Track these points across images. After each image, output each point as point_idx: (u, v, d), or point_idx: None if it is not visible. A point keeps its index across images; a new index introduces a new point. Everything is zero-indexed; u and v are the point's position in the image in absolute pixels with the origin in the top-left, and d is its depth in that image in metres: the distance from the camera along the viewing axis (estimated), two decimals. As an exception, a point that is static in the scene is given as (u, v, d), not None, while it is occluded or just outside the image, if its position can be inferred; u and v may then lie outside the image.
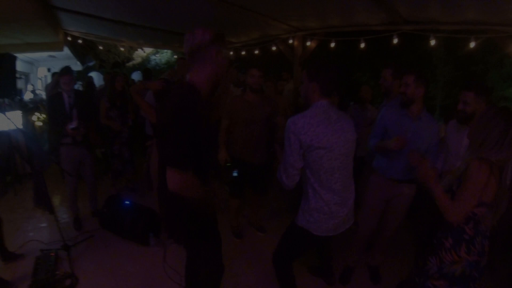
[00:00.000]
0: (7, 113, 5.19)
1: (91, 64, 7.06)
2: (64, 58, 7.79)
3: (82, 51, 7.29)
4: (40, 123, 5.89)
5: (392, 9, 3.64)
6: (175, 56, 12.02)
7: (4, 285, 2.92)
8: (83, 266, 3.17)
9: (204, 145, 1.66)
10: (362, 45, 4.52)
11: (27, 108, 5.97)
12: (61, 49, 6.59)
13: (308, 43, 5.54)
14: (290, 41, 5.83)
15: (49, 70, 8.26)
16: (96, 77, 9.32)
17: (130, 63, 14.27)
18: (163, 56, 13.91)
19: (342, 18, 4.38)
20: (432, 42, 4.13)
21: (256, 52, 6.60)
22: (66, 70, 3.67)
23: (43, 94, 8.70)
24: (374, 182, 2.82)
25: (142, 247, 3.49)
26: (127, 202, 3.70)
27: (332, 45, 4.89)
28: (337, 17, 4.37)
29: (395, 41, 4.26)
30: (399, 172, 2.64)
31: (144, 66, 13.70)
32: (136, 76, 10.64)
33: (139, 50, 13.21)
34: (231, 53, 7.41)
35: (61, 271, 3.03)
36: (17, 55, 6.08)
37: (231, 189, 3.56)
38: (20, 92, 5.96)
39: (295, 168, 1.94)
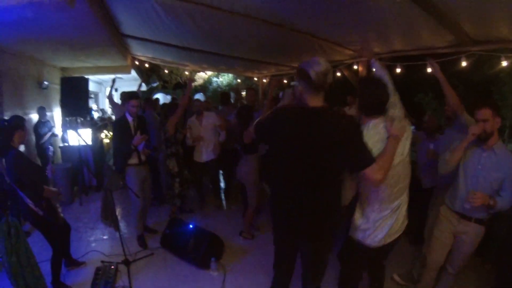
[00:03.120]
0: (79, 130, 5.72)
1: (155, 85, 7.56)
2: (130, 79, 8.38)
3: (146, 72, 7.79)
4: (107, 140, 6.36)
5: (459, 29, 3.44)
6: (238, 80, 12.41)
7: None
8: (142, 282, 3.26)
9: None
10: (429, 70, 4.31)
11: (96, 126, 6.49)
12: (129, 72, 7.13)
13: (374, 69, 5.40)
14: (355, 67, 5.74)
15: (116, 90, 8.95)
16: (161, 98, 9.87)
17: (192, 84, 14.68)
18: (225, 78, 14.22)
19: (407, 42, 4.22)
20: (504, 63, 3.82)
21: None
22: (134, 94, 3.94)
23: (109, 113, 9.43)
24: (442, 214, 2.68)
25: (202, 270, 3.50)
26: (191, 226, 3.77)
27: (398, 70, 4.71)
28: (402, 41, 4.22)
29: (464, 64, 4.01)
30: (461, 204, 2.46)
31: (206, 88, 14.26)
32: (199, 97, 11.19)
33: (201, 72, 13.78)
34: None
35: (120, 285, 3.15)
36: (88, 76, 6.66)
37: None
38: (90, 111, 6.51)
39: None
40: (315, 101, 1.83)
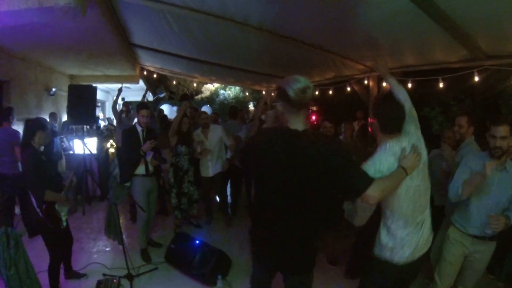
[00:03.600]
0: (85, 139, 5.68)
1: (161, 95, 7.56)
2: (137, 89, 8.43)
3: (154, 82, 7.81)
4: (113, 150, 6.31)
5: (473, 44, 3.40)
6: (246, 93, 12.41)
7: None
8: (144, 298, 3.16)
9: None
10: (441, 85, 4.26)
11: (102, 135, 6.45)
12: (137, 82, 7.16)
13: (384, 84, 5.38)
14: (365, 82, 5.71)
15: (123, 99, 8.95)
16: (166, 109, 9.88)
17: (199, 96, 14.76)
18: (232, 91, 14.23)
19: (419, 57, 4.18)
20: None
21: (330, 92, 6.52)
22: (144, 105, 3.91)
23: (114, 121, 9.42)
24: (453, 237, 2.59)
25: (207, 287, 3.37)
26: (197, 241, 3.67)
27: (409, 85, 4.65)
28: (414, 56, 4.19)
29: (476, 78, 3.96)
30: (477, 227, 2.42)
31: (213, 100, 14.27)
32: (205, 109, 11.23)
33: (209, 84, 13.74)
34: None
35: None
36: (96, 85, 6.67)
37: None
38: (97, 120, 6.49)
39: None
40: (296, 122, 1.74)
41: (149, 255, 3.89)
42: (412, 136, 1.99)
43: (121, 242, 3.15)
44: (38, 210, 2.78)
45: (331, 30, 3.64)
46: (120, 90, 5.96)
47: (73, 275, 3.44)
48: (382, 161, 1.89)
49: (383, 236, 2.05)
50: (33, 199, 2.80)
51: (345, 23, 3.37)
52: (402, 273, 2.08)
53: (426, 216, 2.06)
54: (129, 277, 3.13)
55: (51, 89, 6.30)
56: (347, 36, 3.78)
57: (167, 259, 3.78)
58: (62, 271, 3.31)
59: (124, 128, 4.63)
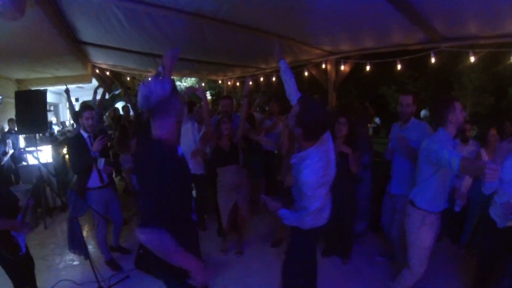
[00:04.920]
0: (38, 148, 5.30)
1: (117, 92, 7.17)
2: (91, 88, 7.96)
3: (108, 79, 7.42)
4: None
5: (430, 27, 3.49)
6: (203, 84, 12.19)
7: None
8: (119, 309, 3.02)
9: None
10: (399, 67, 4.36)
11: (57, 142, 6.06)
12: (89, 81, 6.77)
13: (342, 67, 5.41)
14: (323, 66, 5.71)
15: (77, 100, 8.46)
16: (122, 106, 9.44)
17: None
18: (188, 81, 13.98)
19: (377, 40, 4.25)
20: (472, 59, 3.93)
21: None
22: (87, 106, 3.57)
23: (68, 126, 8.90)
24: (432, 223, 2.52)
25: None
26: None
27: (368, 68, 4.73)
28: (372, 39, 4.25)
29: (433, 60, 4.09)
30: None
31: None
32: None
33: None
34: (261, 79, 7.36)
35: (96, 316, 2.90)
36: (47, 87, 6.23)
37: None
38: (50, 125, 6.07)
39: None
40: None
41: (118, 264, 3.73)
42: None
43: (87, 256, 2.96)
44: None
45: (287, 16, 3.58)
46: (67, 92, 5.39)
47: (41, 299, 3.20)
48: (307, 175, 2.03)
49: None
50: None
51: (302, 9, 3.32)
52: None
53: None
54: (101, 290, 2.96)
55: (-4, 97, 5.81)
56: (304, 22, 3.75)
57: (137, 266, 3.63)
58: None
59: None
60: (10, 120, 5.90)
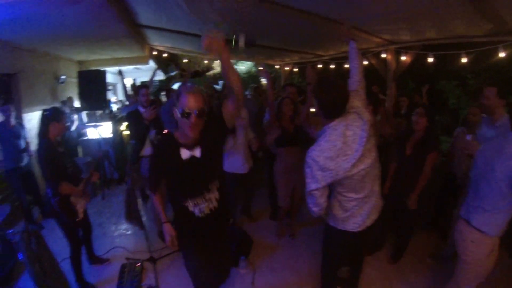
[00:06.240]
0: (98, 124, 5.69)
1: (173, 73, 7.40)
2: (148, 69, 8.29)
3: (164, 61, 7.67)
4: (128, 132, 6.30)
5: (498, 18, 3.15)
6: (260, 68, 12.20)
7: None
8: (168, 280, 3.19)
9: None
10: (464, 60, 4.01)
11: (116, 119, 6.44)
12: (146, 63, 7.03)
13: (403, 58, 5.11)
14: (383, 55, 5.46)
15: (134, 80, 8.89)
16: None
17: (211, 72, 14.49)
18: (245, 65, 13.91)
19: (440, 31, 3.93)
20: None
21: (346, 66, 6.27)
22: (143, 85, 4.08)
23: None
24: None
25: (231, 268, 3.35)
26: None
27: (429, 60, 4.40)
28: (434, 30, 3.94)
29: (502, 54, 3.72)
30: None
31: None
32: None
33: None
34: (320, 66, 7.18)
35: (147, 283, 3.11)
36: (106, 68, 6.58)
37: None
38: (109, 103, 6.46)
39: None
40: None
41: None
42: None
43: (142, 227, 3.16)
44: (53, 202, 2.78)
45: (346, 2, 3.42)
46: (120, 73, 5.76)
47: (96, 260, 3.52)
48: (321, 152, 1.92)
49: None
50: (48, 190, 2.80)
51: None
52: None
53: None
54: (152, 260, 3.15)
55: (60, 77, 6.24)
56: (363, 9, 3.56)
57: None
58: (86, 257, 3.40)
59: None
60: (68, 98, 6.25)
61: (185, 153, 1.92)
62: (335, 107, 1.92)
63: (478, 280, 2.26)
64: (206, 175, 2.03)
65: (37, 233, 2.27)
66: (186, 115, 1.80)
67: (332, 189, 2.08)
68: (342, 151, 1.87)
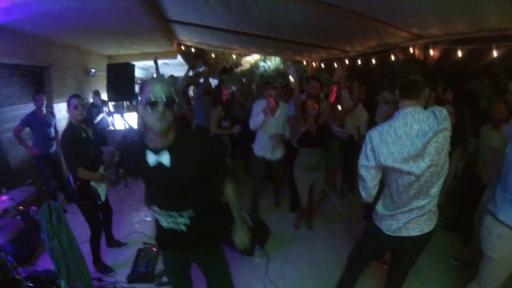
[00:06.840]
0: (125, 115, 5.86)
1: (201, 69, 7.50)
2: (176, 64, 8.43)
3: (192, 57, 7.78)
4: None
5: None
6: (288, 63, 12.18)
7: (105, 269, 3.22)
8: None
9: None
10: (495, 54, 3.81)
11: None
12: (175, 57, 7.17)
13: (431, 52, 4.96)
14: (411, 50, 5.31)
15: (162, 75, 9.09)
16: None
17: (239, 69, 14.55)
18: (272, 62, 13.83)
19: (470, 23, 3.77)
20: None
21: (374, 61, 6.12)
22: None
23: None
24: None
25: (245, 256, 3.43)
26: None
27: (459, 54, 4.22)
28: (464, 22, 3.78)
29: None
30: None
31: (253, 72, 14.02)
32: None
33: (248, 56, 13.48)
34: (346, 62, 7.09)
35: (161, 267, 3.14)
36: (134, 63, 6.76)
37: None
38: (136, 96, 6.63)
39: None
40: None
41: None
42: None
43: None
44: (74, 186, 2.92)
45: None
46: (155, 61, 5.59)
47: (114, 243, 3.65)
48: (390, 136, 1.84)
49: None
50: (70, 176, 2.94)
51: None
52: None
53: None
54: (168, 245, 3.21)
55: (90, 71, 6.48)
56: (391, 1, 3.50)
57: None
58: (104, 240, 3.53)
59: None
60: (95, 91, 6.37)
61: (150, 158, 1.60)
62: (414, 86, 1.82)
63: (502, 278, 2.18)
64: (177, 194, 1.70)
65: (59, 209, 2.37)
66: (152, 104, 1.47)
67: (382, 183, 2.03)
68: (401, 140, 1.80)
